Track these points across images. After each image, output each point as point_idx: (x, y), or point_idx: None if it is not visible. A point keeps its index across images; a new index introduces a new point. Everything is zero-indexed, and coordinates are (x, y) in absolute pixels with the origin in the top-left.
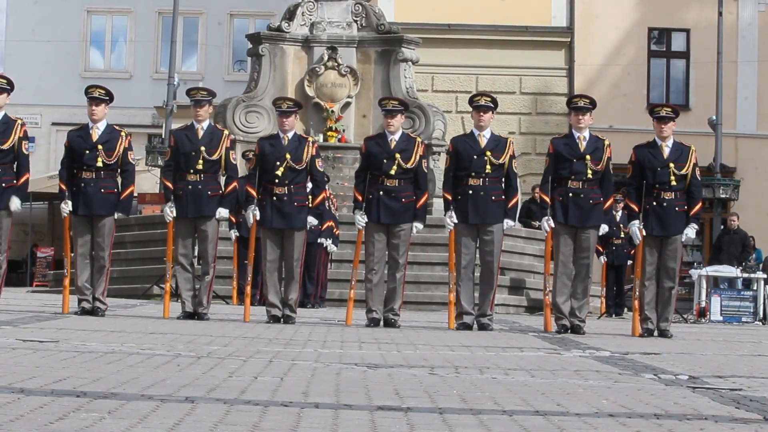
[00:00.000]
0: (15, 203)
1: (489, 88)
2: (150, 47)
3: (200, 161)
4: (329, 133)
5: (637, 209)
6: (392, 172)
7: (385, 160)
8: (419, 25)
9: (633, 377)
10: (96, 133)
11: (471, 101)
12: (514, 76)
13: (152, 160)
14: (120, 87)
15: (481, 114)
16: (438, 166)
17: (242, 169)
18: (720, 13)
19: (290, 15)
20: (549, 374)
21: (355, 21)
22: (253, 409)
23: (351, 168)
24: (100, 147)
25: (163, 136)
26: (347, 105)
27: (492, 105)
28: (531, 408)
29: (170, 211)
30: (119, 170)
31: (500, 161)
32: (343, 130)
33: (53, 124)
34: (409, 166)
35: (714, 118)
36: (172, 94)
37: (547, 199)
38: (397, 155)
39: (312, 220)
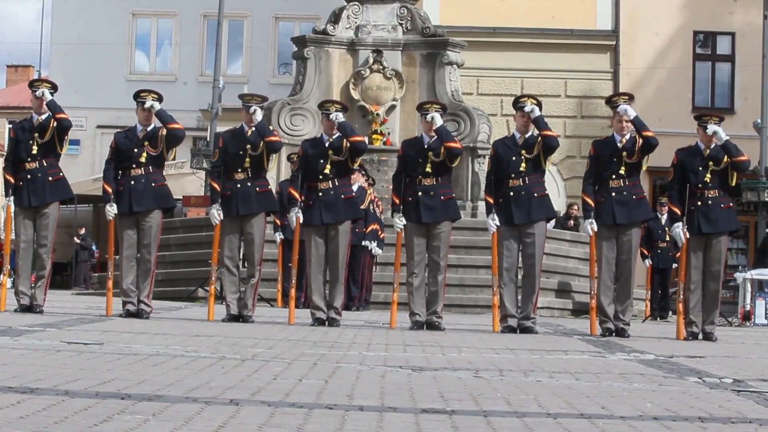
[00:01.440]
0: None
1: (534, 91)
2: (195, 50)
3: (247, 159)
4: (374, 136)
5: (679, 212)
6: (427, 169)
7: (419, 159)
8: (464, 29)
9: (677, 380)
10: (144, 134)
11: (515, 103)
12: (560, 80)
13: (197, 162)
14: (165, 90)
15: (526, 117)
16: (483, 169)
17: (287, 173)
18: (765, 17)
19: (335, 18)
20: (593, 377)
21: (401, 24)
22: (297, 412)
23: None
24: (146, 143)
25: (208, 139)
26: (392, 108)
27: (537, 106)
28: (575, 411)
29: (217, 214)
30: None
31: (533, 154)
32: (389, 133)
33: (98, 126)
34: (439, 159)
35: (759, 121)
36: (217, 97)
37: (591, 202)
38: (430, 153)
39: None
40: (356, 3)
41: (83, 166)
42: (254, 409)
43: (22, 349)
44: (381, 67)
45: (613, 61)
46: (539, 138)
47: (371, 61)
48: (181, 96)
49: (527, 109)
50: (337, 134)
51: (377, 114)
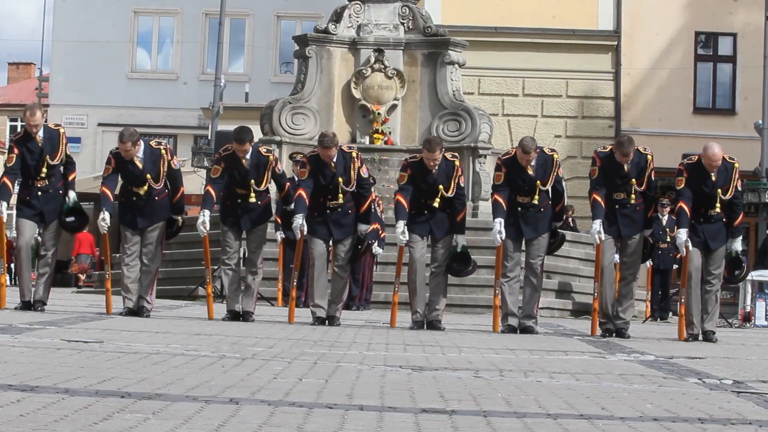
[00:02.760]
0: (71, 196)
1: (535, 91)
2: (197, 48)
3: (251, 191)
4: (375, 136)
5: (689, 214)
6: (436, 204)
7: (428, 193)
8: (466, 28)
9: (677, 381)
10: (140, 164)
11: (520, 144)
12: (561, 80)
13: (198, 161)
14: (166, 88)
15: (527, 156)
16: (484, 168)
17: (288, 170)
18: (767, 17)
19: (337, 17)
20: (593, 378)
21: (402, 23)
22: (297, 411)
23: (397, 170)
24: (148, 176)
25: (209, 138)
26: (394, 107)
27: (536, 146)
28: (575, 411)
29: (203, 228)
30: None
31: (548, 186)
32: (390, 133)
33: (99, 124)
34: (450, 194)
35: (760, 122)
36: (218, 95)
37: (602, 201)
38: (440, 187)
39: (362, 227)
40: (358, 2)
41: (84, 164)
42: (254, 408)
43: (23, 347)
44: (382, 66)
45: (615, 62)
46: (554, 162)
47: (373, 60)
48: (182, 94)
49: None
50: (342, 163)
51: (378, 113)
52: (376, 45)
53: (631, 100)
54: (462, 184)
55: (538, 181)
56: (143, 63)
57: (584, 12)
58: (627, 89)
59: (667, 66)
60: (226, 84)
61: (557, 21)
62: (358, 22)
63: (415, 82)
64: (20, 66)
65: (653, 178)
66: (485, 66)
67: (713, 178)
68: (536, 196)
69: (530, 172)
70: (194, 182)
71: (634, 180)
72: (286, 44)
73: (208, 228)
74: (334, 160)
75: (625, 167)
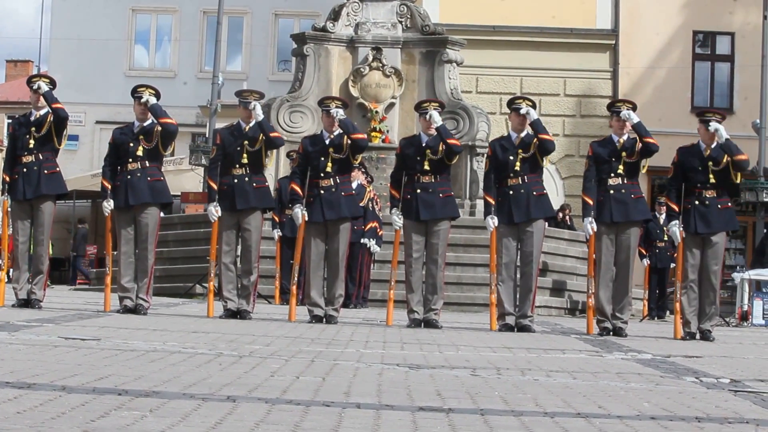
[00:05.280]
0: None
1: (533, 89)
2: (194, 46)
3: (245, 155)
4: (373, 134)
5: (676, 209)
6: (425, 167)
7: (417, 157)
8: (464, 27)
9: (674, 380)
10: (140, 129)
11: (510, 104)
12: (559, 78)
13: (196, 159)
14: (164, 86)
15: (521, 118)
16: (481, 167)
17: (286, 170)
18: (765, 17)
19: (335, 15)
20: (590, 376)
21: (400, 22)
22: (294, 409)
23: None
24: (141, 137)
25: (207, 136)
26: (391, 106)
27: (532, 108)
28: (572, 410)
29: (215, 210)
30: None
31: (530, 153)
32: (387, 131)
33: (97, 122)
34: (437, 157)
35: (758, 121)
36: (216, 93)
37: (591, 201)
38: (428, 151)
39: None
40: (356, 0)
41: (82, 162)
42: (251, 406)
43: (20, 345)
44: (380, 64)
45: (613, 61)
46: (535, 138)
47: (370, 58)
48: (180, 92)
49: (522, 111)
50: (338, 131)
51: (376, 111)
52: (374, 43)
53: (629, 98)
54: (456, 147)
55: (520, 150)
56: (141, 61)
57: (582, 11)
58: (625, 88)
59: (665, 65)
60: (224, 82)
61: (555, 20)
62: (356, 20)
63: (413, 80)
64: (18, 63)
65: (645, 163)
66: (483, 64)
67: (706, 153)
68: (518, 164)
69: (516, 143)
70: (192, 180)
71: (624, 153)
72: (284, 42)
73: (219, 213)
74: (334, 134)
75: (620, 140)
